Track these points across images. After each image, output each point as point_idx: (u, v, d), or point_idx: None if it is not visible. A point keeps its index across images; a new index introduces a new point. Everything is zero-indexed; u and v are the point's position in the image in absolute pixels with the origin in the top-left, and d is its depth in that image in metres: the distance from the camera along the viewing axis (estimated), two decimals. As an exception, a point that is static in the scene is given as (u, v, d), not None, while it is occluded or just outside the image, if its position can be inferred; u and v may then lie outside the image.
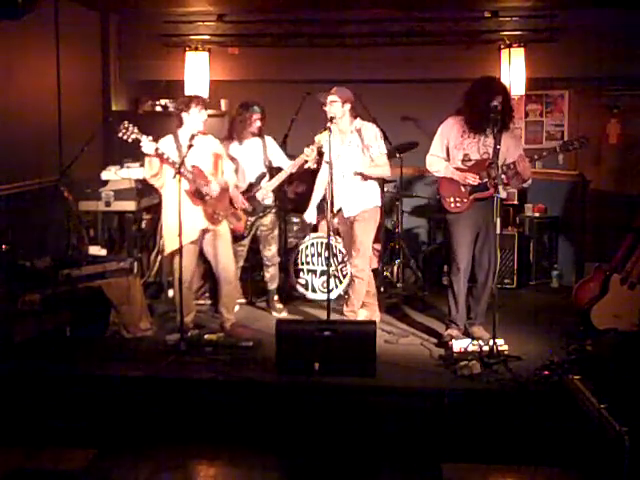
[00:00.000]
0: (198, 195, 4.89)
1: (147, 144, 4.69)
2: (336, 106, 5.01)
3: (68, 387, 4.29)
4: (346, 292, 5.34)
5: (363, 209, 5.13)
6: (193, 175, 4.83)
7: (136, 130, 4.67)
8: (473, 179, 4.79)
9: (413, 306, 6.00)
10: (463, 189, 4.85)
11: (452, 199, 4.89)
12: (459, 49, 6.86)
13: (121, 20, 7.23)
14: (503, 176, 4.71)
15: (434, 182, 7.18)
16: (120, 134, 4.67)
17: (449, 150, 4.93)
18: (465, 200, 4.85)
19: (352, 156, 5.11)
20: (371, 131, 5.13)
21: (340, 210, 5.19)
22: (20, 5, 4.38)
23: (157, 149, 4.72)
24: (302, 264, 6.09)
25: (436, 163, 4.94)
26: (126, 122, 4.69)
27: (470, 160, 4.85)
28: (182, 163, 4.70)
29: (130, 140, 4.68)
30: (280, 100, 6.19)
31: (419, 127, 7.11)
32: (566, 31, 6.69)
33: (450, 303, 5.00)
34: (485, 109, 4.65)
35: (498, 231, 4.58)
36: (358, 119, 5.18)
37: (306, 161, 5.29)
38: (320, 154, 5.26)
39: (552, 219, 6.92)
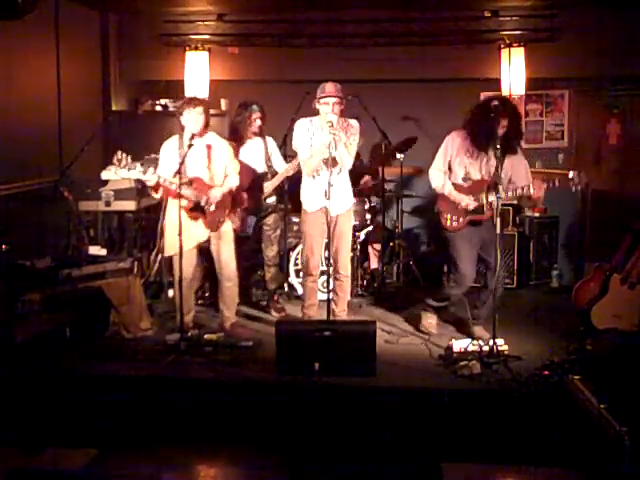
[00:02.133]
0: (197, 208, 4.89)
1: (150, 177, 4.71)
2: (338, 106, 4.87)
3: (68, 387, 4.29)
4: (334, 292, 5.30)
5: (347, 208, 5.10)
6: (193, 190, 4.83)
7: (129, 159, 4.67)
8: (467, 204, 4.80)
9: (413, 306, 5.99)
10: (460, 208, 4.87)
11: (449, 216, 4.92)
12: (459, 49, 6.86)
13: (121, 20, 7.23)
14: (504, 195, 4.67)
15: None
16: (112, 166, 4.68)
17: (451, 165, 4.93)
18: (462, 219, 4.88)
19: (343, 155, 4.95)
20: (356, 127, 5.02)
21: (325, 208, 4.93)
22: (20, 5, 4.38)
23: (159, 177, 4.73)
24: (302, 264, 6.07)
25: (437, 179, 4.94)
26: (119, 152, 4.68)
27: (470, 179, 4.86)
28: (181, 164, 4.70)
29: (123, 170, 4.67)
30: (280, 100, 6.19)
31: (419, 127, 7.10)
32: (566, 31, 6.69)
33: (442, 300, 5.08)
34: (491, 129, 4.61)
35: (498, 231, 4.59)
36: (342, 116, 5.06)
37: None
38: None
39: (552, 219, 6.92)
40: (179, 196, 4.69)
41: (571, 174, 4.72)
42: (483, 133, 4.69)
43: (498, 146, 4.58)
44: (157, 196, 4.96)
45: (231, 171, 5.08)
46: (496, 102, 4.69)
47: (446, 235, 4.97)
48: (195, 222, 4.93)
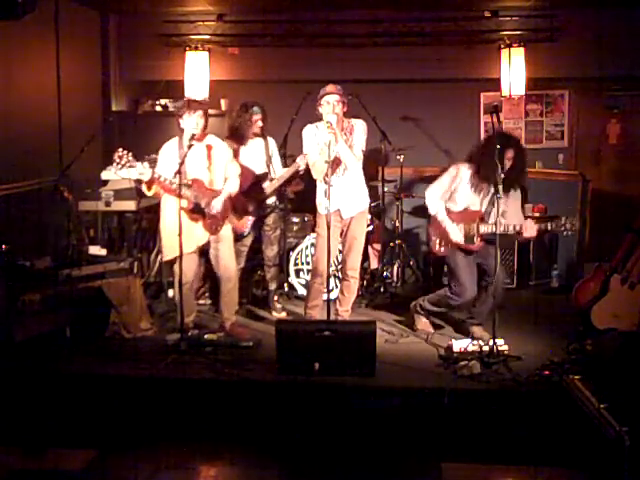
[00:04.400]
0: (197, 209, 4.87)
1: (145, 172, 4.64)
2: (340, 106, 4.88)
3: (68, 387, 4.29)
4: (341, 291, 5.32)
5: (360, 210, 5.10)
6: (192, 191, 4.81)
7: (131, 157, 4.59)
8: (457, 239, 4.83)
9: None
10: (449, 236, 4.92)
11: (438, 240, 4.96)
12: (459, 49, 6.87)
13: (121, 20, 7.24)
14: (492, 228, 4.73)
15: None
16: (114, 164, 4.60)
17: (452, 195, 4.92)
18: (450, 246, 4.91)
19: (345, 155, 4.95)
20: (359, 126, 5.01)
21: (337, 210, 5.00)
22: (20, 5, 4.38)
23: (153, 173, 4.68)
24: (302, 264, 6.09)
25: (435, 203, 4.93)
26: (120, 149, 4.60)
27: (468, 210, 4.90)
28: (181, 165, 4.68)
29: (124, 169, 4.61)
30: (280, 100, 6.20)
31: (419, 127, 7.11)
32: (566, 31, 6.70)
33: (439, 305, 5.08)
34: (495, 165, 4.61)
35: (498, 231, 4.59)
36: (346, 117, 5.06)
37: (300, 169, 5.32)
38: None
39: (552, 219, 6.91)
40: (179, 195, 4.67)
41: (563, 219, 4.80)
42: (490, 164, 4.66)
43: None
44: (149, 193, 4.86)
45: (230, 174, 5.05)
46: (506, 133, 4.87)
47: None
48: (195, 224, 4.89)
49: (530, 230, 4.75)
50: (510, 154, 4.72)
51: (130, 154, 4.60)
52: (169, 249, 4.90)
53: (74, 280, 4.93)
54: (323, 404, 4.13)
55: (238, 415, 4.13)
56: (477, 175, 4.81)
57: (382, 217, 6.76)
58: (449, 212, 4.92)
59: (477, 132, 7.33)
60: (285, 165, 5.77)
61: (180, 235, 4.63)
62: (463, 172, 4.87)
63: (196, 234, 4.91)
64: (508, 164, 4.72)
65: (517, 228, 4.75)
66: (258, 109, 5.53)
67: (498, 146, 4.55)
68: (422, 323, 5.23)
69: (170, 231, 4.83)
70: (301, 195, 6.45)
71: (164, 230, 4.97)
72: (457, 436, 3.89)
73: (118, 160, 4.58)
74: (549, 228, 4.84)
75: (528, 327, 5.31)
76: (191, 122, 4.83)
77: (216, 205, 4.90)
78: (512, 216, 4.80)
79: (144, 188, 4.86)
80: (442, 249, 4.95)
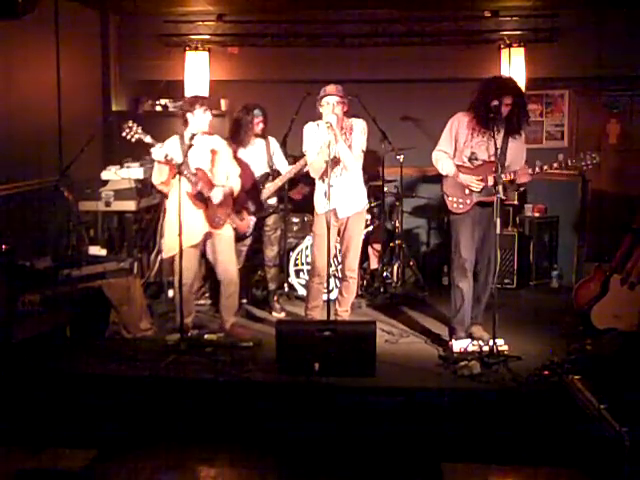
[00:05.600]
0: (200, 198, 4.88)
1: (157, 151, 4.66)
2: (340, 107, 4.88)
3: (68, 387, 4.29)
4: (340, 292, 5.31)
5: (357, 210, 5.07)
6: (196, 178, 4.82)
7: (140, 130, 4.63)
8: (477, 186, 4.78)
9: (413, 306, 6.00)
10: (467, 191, 4.83)
11: (455, 199, 4.86)
12: (459, 49, 6.86)
13: (121, 20, 7.24)
14: (503, 176, 4.68)
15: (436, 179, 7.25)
16: (123, 134, 4.64)
17: (457, 146, 4.87)
18: (468, 202, 4.83)
19: (345, 155, 4.92)
20: (359, 126, 4.99)
21: (333, 210, 4.91)
22: (20, 5, 4.39)
23: (167, 155, 4.68)
24: (302, 264, 6.09)
25: (443, 160, 4.87)
26: (130, 121, 4.66)
27: (477, 160, 4.80)
28: (183, 164, 4.69)
29: (133, 140, 4.65)
30: (280, 100, 6.20)
31: (419, 127, 7.11)
32: (566, 31, 6.69)
33: (457, 304, 4.94)
34: (495, 107, 4.57)
35: (498, 231, 4.58)
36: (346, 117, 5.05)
37: (305, 164, 5.30)
38: None
39: (552, 219, 6.92)
40: (179, 174, 4.65)
41: (582, 154, 4.65)
42: (487, 110, 4.60)
43: (497, 118, 4.57)
44: (166, 190, 4.89)
45: (231, 174, 5.06)
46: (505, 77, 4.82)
47: (450, 218, 4.94)
48: (198, 214, 4.89)
49: (522, 176, 4.69)
50: (508, 100, 4.63)
51: (140, 127, 4.63)
52: (171, 245, 4.90)
53: (74, 280, 4.93)
54: (323, 404, 4.13)
55: (238, 415, 4.13)
56: (475, 120, 4.74)
57: (382, 217, 6.76)
58: (462, 169, 4.82)
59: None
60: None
61: (180, 235, 4.64)
62: (461, 119, 4.83)
63: (199, 225, 4.91)
64: (507, 110, 4.64)
65: (510, 176, 4.68)
66: (259, 111, 5.54)
67: (496, 91, 4.54)
68: (477, 330, 5.02)
69: (174, 227, 4.83)
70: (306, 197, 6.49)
71: (169, 226, 4.97)
72: (457, 436, 3.89)
73: (128, 131, 4.61)
74: (569, 163, 4.66)
75: (528, 327, 5.31)
76: (205, 119, 4.86)
77: (216, 194, 4.90)
78: (515, 164, 4.75)
79: (155, 173, 4.87)
80: (460, 207, 4.84)
